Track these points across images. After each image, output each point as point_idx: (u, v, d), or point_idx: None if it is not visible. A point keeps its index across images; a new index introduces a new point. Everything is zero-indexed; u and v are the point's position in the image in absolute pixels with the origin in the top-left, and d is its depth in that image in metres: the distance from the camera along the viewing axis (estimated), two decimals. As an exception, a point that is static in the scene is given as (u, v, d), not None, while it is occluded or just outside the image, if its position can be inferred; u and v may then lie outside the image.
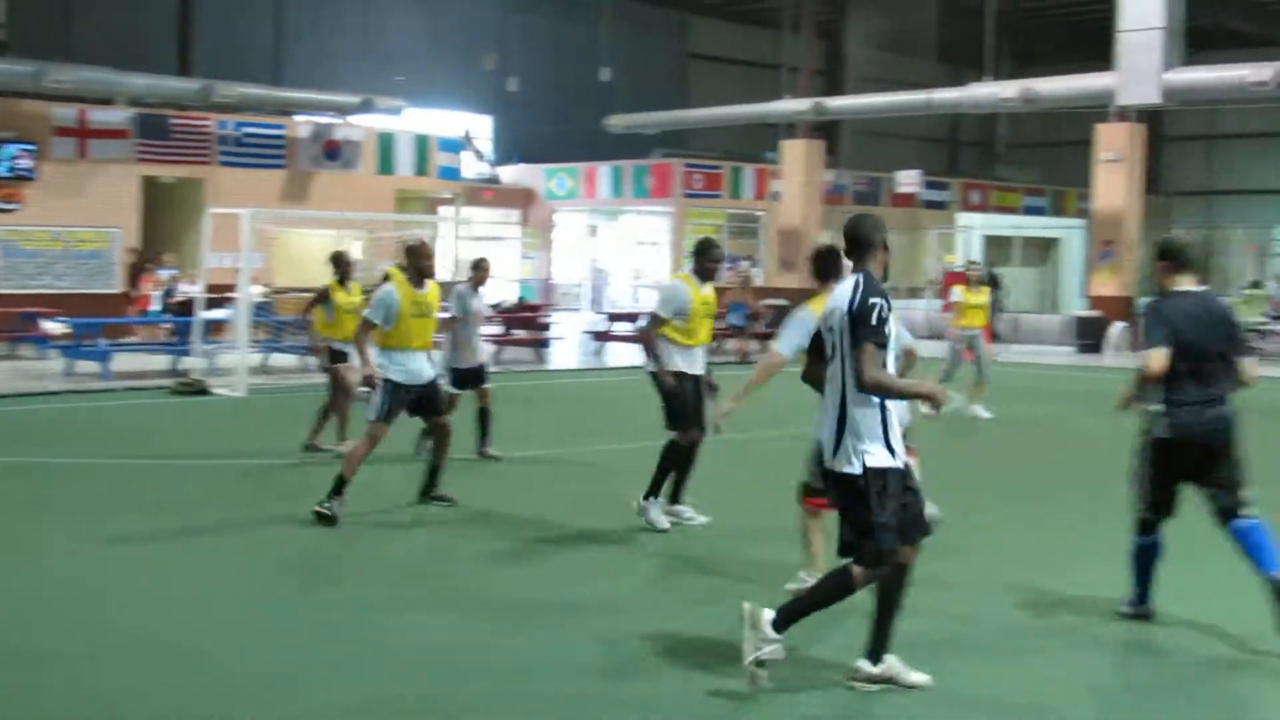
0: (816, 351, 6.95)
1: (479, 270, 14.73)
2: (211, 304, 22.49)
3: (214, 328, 22.65)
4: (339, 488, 10.74)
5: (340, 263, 14.50)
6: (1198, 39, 38.02)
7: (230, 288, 22.85)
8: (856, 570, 6.49)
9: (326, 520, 10.57)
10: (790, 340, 8.43)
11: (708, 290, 10.50)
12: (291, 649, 7.42)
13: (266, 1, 40.19)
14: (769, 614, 6.53)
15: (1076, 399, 22.19)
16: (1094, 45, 43.34)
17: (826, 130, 42.56)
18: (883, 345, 6.42)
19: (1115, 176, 32.76)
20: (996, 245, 43.23)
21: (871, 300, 6.42)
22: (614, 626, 7.79)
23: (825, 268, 8.51)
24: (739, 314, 29.49)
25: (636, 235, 44.14)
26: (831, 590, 6.61)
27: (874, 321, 6.39)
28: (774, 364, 8.65)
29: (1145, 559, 8.00)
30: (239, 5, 39.10)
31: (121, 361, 22.21)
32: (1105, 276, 32.89)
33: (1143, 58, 29.41)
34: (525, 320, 28.84)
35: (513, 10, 45.04)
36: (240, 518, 10.99)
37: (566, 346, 29.98)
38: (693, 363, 10.51)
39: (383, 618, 8.01)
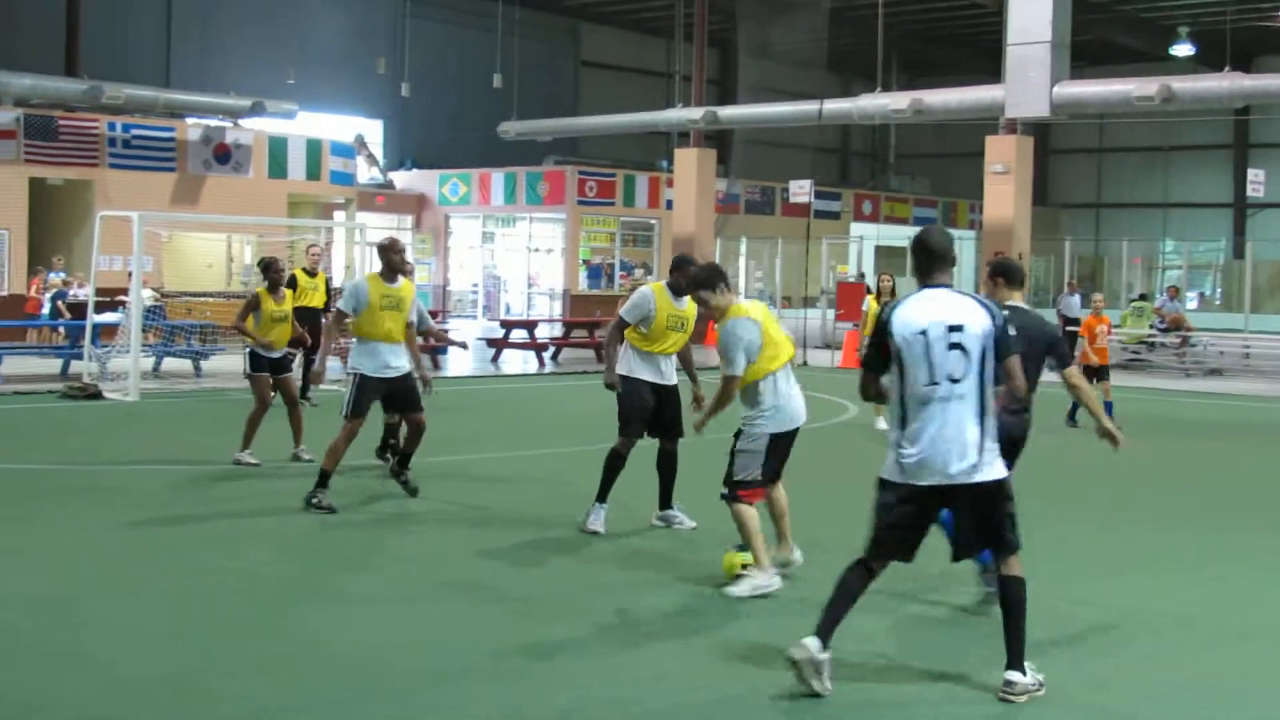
0: (879, 367, 6.77)
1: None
2: (101, 307, 22.12)
3: (105, 331, 22.26)
4: (323, 480, 11.14)
5: (270, 270, 14.22)
6: (1087, 53, 38.71)
7: (120, 291, 22.51)
8: (1016, 560, 6.72)
9: (323, 510, 10.98)
10: (740, 361, 8.64)
11: (682, 305, 10.47)
12: (193, 652, 7.29)
13: (156, 2, 39.62)
14: (814, 645, 6.58)
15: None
16: (984, 58, 44.06)
17: (719, 139, 42.82)
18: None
19: (1004, 188, 33.14)
20: (888, 255, 43.64)
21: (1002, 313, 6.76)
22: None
23: (710, 280, 8.94)
24: None
25: (531, 242, 44.09)
26: (1021, 599, 6.71)
27: (1013, 332, 6.74)
28: (732, 390, 8.76)
29: None
30: (127, 5, 38.56)
31: (11, 365, 21.75)
32: (995, 286, 33.21)
33: (1031, 71, 29.74)
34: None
35: (406, 15, 44.81)
36: (133, 520, 10.80)
37: (461, 353, 29.81)
38: (655, 371, 10.51)
39: (290, 622, 7.91)
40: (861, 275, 37.34)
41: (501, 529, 10.74)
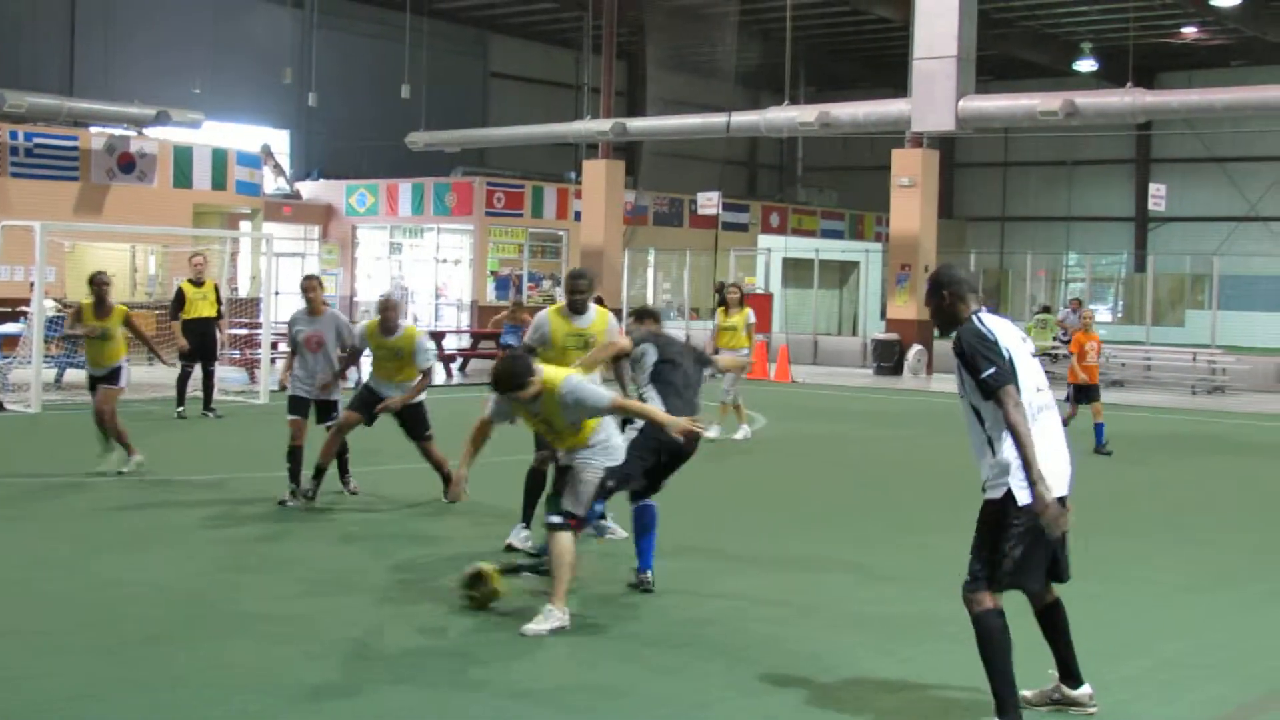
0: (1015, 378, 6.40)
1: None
2: (3, 318, 21.77)
3: (6, 342, 21.88)
4: (317, 474, 12.17)
5: (93, 283, 14.57)
6: (992, 68, 39.17)
7: (22, 301, 22.17)
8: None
9: (304, 498, 12.01)
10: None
11: (580, 322, 10.51)
12: (101, 666, 7.17)
13: (59, 9, 39.00)
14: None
15: (871, 419, 22.62)
16: (891, 73, 44.48)
17: (627, 151, 42.86)
18: None
19: (910, 201, 33.48)
20: (795, 267, 43.87)
21: None
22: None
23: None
24: (513, 335, 29.43)
25: (439, 253, 43.88)
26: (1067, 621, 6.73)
27: None
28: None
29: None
30: (30, 12, 37.95)
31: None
32: (902, 299, 33.57)
33: (937, 86, 30.08)
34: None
35: (314, 25, 44.45)
36: (34, 533, 10.63)
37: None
38: None
39: (197, 634, 7.81)
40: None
41: (405, 540, 10.69)
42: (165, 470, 13.84)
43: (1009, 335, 6.34)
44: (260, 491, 12.75)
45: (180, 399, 19.24)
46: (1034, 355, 6.45)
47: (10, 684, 6.90)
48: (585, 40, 44.30)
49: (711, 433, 16.55)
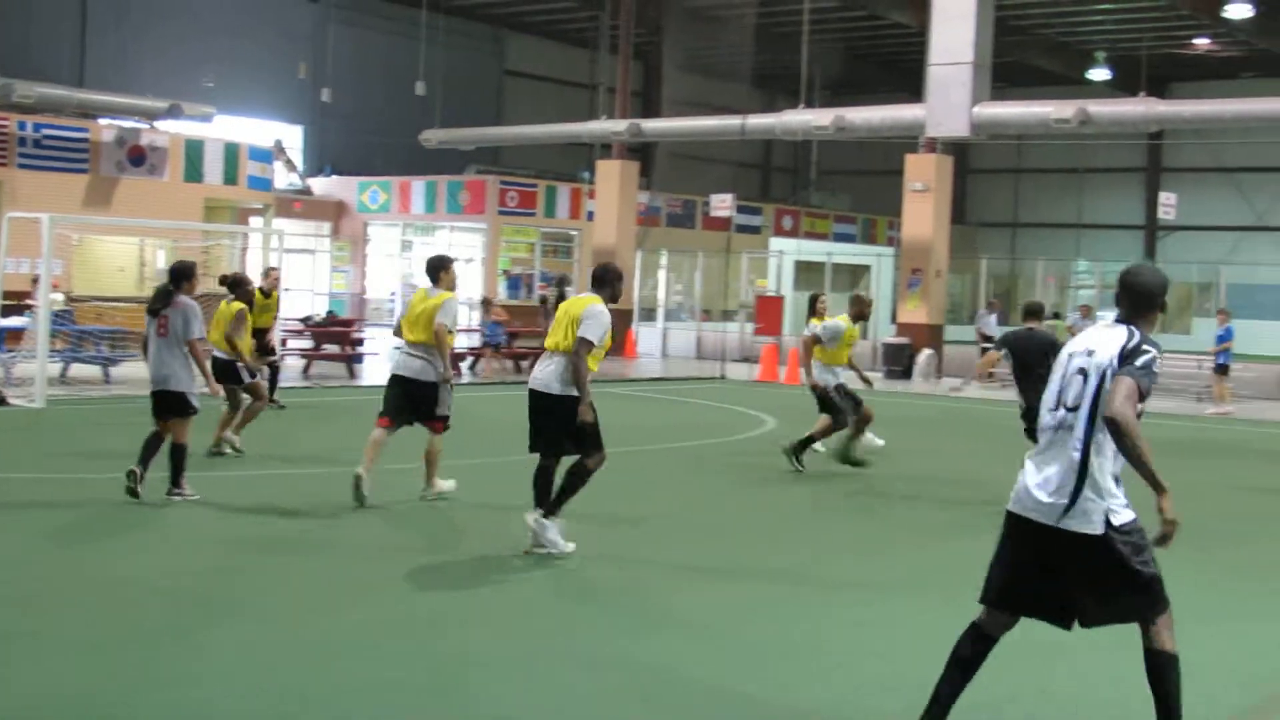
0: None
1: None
2: (8, 311, 21.71)
3: (11, 336, 21.82)
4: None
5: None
6: (1007, 75, 39.03)
7: (27, 295, 22.12)
8: None
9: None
10: None
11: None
12: (108, 665, 7.09)
13: (71, -1, 39.03)
14: None
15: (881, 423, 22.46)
16: (906, 78, 44.36)
17: (641, 151, 42.80)
18: None
19: (923, 206, 33.39)
20: (808, 270, 43.76)
21: None
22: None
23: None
24: (495, 332, 29.48)
25: (450, 251, 43.84)
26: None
27: None
28: None
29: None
30: (41, 2, 37.90)
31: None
32: (913, 304, 33.48)
33: (952, 91, 29.93)
34: (336, 335, 28.35)
35: (329, 21, 44.42)
36: (39, 530, 10.55)
37: (379, 362, 29.60)
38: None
39: (207, 635, 7.72)
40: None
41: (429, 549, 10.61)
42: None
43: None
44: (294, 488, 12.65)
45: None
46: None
47: (8, 683, 6.83)
48: (601, 40, 44.21)
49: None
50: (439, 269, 12.39)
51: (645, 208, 41.45)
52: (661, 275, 43.62)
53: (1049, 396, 6.07)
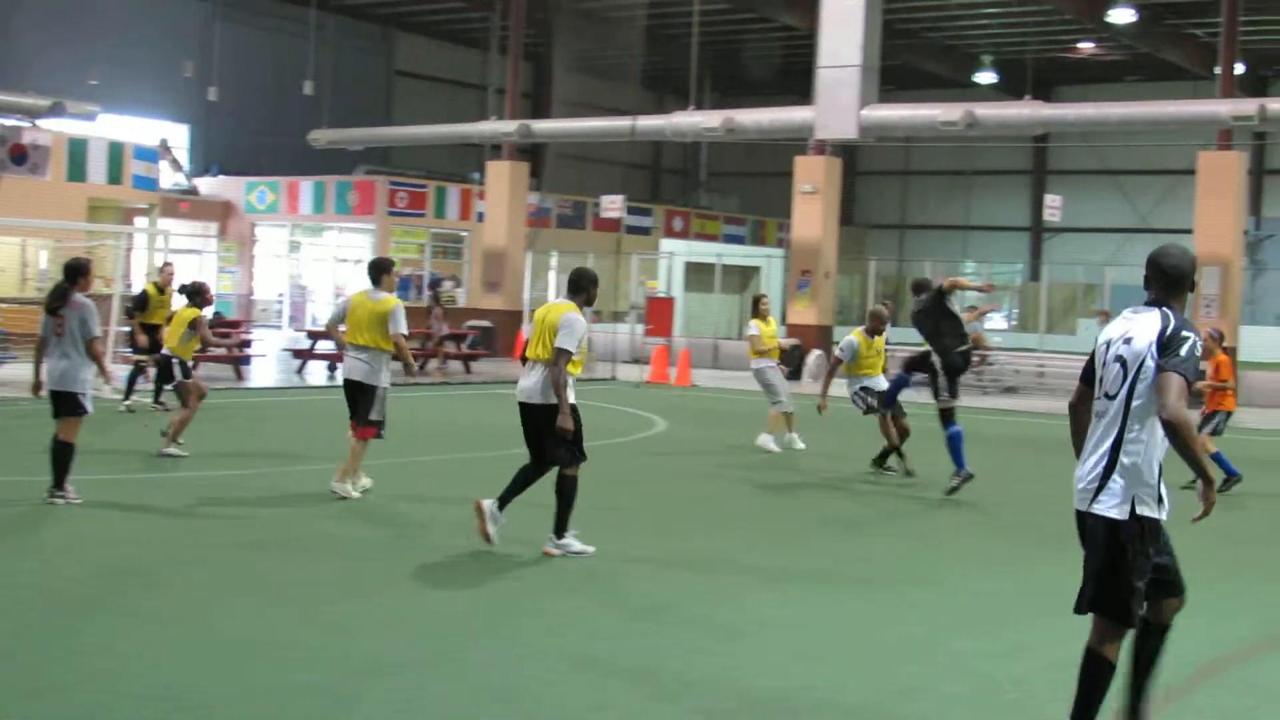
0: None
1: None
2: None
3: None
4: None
5: None
6: (895, 78, 39.48)
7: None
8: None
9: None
10: None
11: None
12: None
13: (-50, -3, 38.26)
14: None
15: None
16: (795, 80, 44.66)
17: (531, 152, 42.76)
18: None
19: (812, 208, 33.68)
20: (697, 271, 43.99)
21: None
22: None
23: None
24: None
25: (339, 252, 43.56)
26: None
27: None
28: None
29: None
30: (-82, -1, 37.12)
31: None
32: (803, 305, 33.77)
33: (840, 94, 30.25)
34: (222, 336, 28.04)
35: (215, 18, 43.88)
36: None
37: (266, 364, 29.37)
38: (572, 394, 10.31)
39: (85, 639, 7.63)
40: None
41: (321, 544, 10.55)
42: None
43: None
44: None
45: (128, 393, 19.77)
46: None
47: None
48: (492, 40, 44.08)
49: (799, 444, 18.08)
50: (381, 271, 12.48)
51: (535, 209, 41.43)
52: (552, 277, 43.62)
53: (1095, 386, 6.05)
